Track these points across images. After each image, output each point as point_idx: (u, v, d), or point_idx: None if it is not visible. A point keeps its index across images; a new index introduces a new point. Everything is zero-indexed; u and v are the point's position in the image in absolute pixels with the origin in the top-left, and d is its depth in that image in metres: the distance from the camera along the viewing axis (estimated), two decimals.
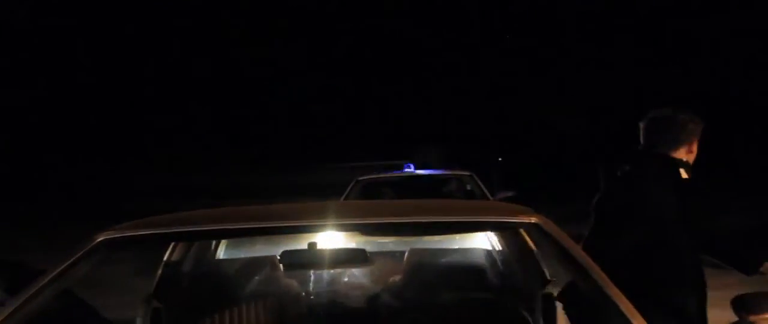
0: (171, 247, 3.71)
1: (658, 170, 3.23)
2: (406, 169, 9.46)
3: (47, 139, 28.33)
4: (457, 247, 4.18)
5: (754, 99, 22.65)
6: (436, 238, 4.33)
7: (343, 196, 9.02)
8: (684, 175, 3.24)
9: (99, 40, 29.65)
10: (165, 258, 3.78)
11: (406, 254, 3.68)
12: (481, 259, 3.60)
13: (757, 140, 21.61)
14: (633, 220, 3.21)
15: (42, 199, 21.19)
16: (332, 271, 3.64)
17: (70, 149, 27.84)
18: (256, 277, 3.48)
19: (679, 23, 24.65)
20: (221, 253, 4.37)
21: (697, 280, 3.33)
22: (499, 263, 3.73)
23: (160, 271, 3.69)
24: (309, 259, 3.26)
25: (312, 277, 3.66)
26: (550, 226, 2.67)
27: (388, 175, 9.86)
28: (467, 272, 3.48)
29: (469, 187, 9.33)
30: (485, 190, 9.31)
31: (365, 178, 9.43)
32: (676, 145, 3.27)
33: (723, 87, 23.31)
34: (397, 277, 3.47)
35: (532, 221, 2.70)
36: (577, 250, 2.62)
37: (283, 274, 3.53)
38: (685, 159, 3.28)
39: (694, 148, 3.33)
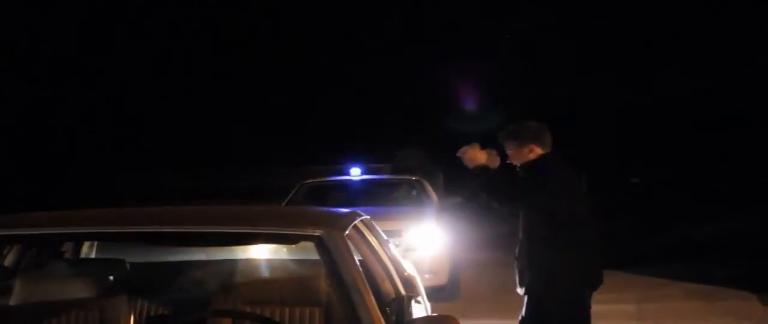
0: (8, 247, 3.65)
1: None
2: (352, 172, 9.38)
3: (49, 139, 28.44)
4: (295, 257, 4.11)
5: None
6: (284, 248, 4.28)
7: (287, 200, 8.95)
8: None
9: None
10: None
11: (238, 265, 3.64)
12: (308, 271, 3.51)
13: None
14: None
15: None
16: (165, 282, 3.58)
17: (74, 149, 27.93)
18: (87, 284, 3.41)
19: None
20: (93, 254, 4.31)
21: None
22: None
23: None
24: (65, 270, 3.24)
25: (143, 287, 3.58)
26: (334, 241, 2.63)
27: (335, 179, 9.79)
28: (294, 284, 3.43)
29: (414, 193, 9.26)
30: (431, 195, 9.24)
31: (310, 181, 9.36)
32: None
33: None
34: (228, 289, 3.41)
35: (316, 234, 2.65)
36: (350, 269, 2.58)
37: (111, 282, 3.48)
38: None
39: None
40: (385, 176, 10.64)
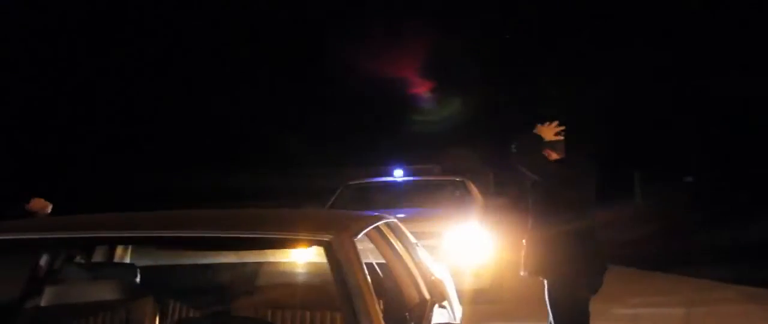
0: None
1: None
2: (395, 174, 9.30)
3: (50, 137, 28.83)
4: (317, 260, 4.03)
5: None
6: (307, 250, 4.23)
7: (330, 202, 8.90)
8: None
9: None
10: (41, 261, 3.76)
11: (260, 268, 3.62)
12: (330, 275, 3.45)
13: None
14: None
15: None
16: (192, 284, 3.60)
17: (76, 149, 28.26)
18: (113, 286, 3.42)
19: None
20: (127, 258, 4.34)
21: None
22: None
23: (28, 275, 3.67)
24: (77, 274, 3.25)
25: (170, 289, 3.59)
26: (342, 247, 2.60)
27: (379, 180, 9.73)
28: (315, 288, 3.39)
29: (457, 194, 9.14)
30: (476, 196, 9.12)
31: (355, 182, 9.32)
32: None
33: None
34: (251, 292, 3.38)
35: (325, 239, 2.68)
36: (355, 275, 2.52)
37: (139, 285, 3.49)
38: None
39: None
40: (428, 177, 10.54)
